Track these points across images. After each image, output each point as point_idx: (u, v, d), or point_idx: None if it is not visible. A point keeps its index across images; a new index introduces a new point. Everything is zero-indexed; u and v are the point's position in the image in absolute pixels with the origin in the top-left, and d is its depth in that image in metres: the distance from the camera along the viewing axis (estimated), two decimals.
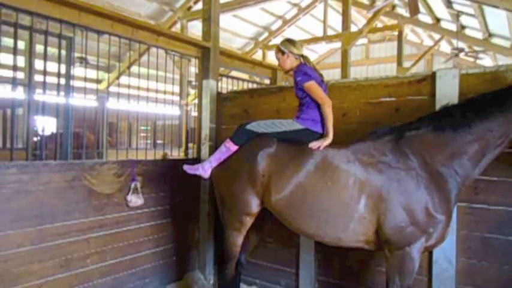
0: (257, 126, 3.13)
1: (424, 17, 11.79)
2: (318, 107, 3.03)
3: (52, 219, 3.13)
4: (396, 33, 12.40)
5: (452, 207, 2.60)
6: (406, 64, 12.55)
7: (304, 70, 3.05)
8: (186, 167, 3.31)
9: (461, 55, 10.99)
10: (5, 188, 2.85)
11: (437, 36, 13.67)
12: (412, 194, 2.53)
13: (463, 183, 2.59)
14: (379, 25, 13.89)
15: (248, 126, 3.14)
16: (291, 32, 14.46)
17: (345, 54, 9.14)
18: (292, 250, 3.86)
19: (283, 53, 3.18)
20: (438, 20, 11.75)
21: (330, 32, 12.34)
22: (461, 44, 11.43)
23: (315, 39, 12.41)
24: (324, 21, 11.73)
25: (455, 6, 10.02)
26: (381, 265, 3.28)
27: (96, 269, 3.46)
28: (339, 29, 11.84)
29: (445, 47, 14.77)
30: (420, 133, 2.63)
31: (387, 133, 2.75)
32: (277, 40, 14.17)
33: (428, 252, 3.07)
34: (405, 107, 3.21)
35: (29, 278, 2.99)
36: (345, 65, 9.00)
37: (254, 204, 3.05)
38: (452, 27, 11.40)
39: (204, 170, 3.25)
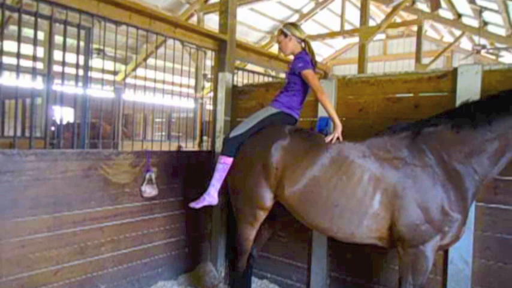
0: (238, 129, 3.17)
1: (445, 13, 11.53)
2: (297, 96, 3.13)
3: (68, 207, 3.19)
4: (415, 28, 12.16)
5: (469, 206, 2.54)
6: (425, 61, 12.31)
7: (306, 58, 3.07)
8: (192, 204, 3.26)
9: (482, 52, 10.72)
10: (23, 175, 2.91)
11: (458, 33, 13.36)
12: (427, 191, 2.48)
13: (481, 182, 2.53)
14: (398, 20, 13.63)
15: (231, 135, 3.16)
16: (308, 26, 14.33)
17: (362, 50, 9.02)
18: (305, 245, 3.84)
19: (285, 35, 3.17)
20: (459, 16, 11.47)
21: (347, 27, 12.19)
22: (483, 41, 11.14)
23: (332, 34, 12.27)
24: (342, 16, 11.58)
25: (478, 2, 9.76)
26: (394, 263, 3.24)
27: (110, 257, 3.51)
28: (357, 23, 11.68)
29: (465, 43, 14.44)
30: (438, 130, 2.58)
31: (404, 129, 2.70)
32: None
33: (444, 251, 3.02)
34: (424, 104, 3.15)
35: (45, 263, 3.06)
36: (362, 60, 8.89)
37: (268, 198, 3.02)
38: (474, 23, 11.12)
39: (212, 196, 3.22)
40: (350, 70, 16.57)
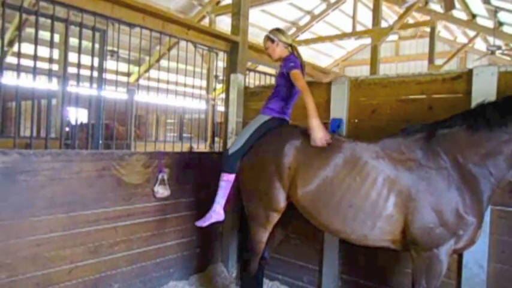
0: (236, 144, 3.20)
1: (459, 13, 11.38)
2: (286, 99, 3.20)
3: (83, 207, 3.23)
4: (428, 29, 12.03)
5: (485, 209, 2.50)
6: (438, 62, 12.17)
7: (294, 60, 3.11)
8: (199, 223, 3.26)
9: (497, 53, 10.55)
10: (39, 175, 2.97)
11: (472, 33, 13.17)
12: (442, 194, 2.45)
13: (497, 184, 2.49)
14: (411, 21, 13.50)
15: (230, 151, 3.18)
16: (319, 28, 14.31)
17: (374, 51, 8.96)
18: (316, 247, 3.83)
19: (272, 41, 3.24)
20: (474, 16, 11.31)
21: (359, 28, 12.10)
22: (498, 42, 10.96)
23: (344, 35, 12.20)
24: (354, 17, 11.52)
25: (493, 2, 9.61)
26: (407, 266, 3.21)
27: (123, 256, 3.55)
28: (369, 24, 11.60)
29: (480, 44, 14.22)
30: (453, 131, 2.54)
31: (418, 130, 2.67)
32: (305, 36, 14.04)
33: (458, 255, 2.98)
34: (438, 105, 3.11)
35: (60, 262, 3.11)
36: (374, 61, 8.83)
37: (281, 199, 3.01)
38: (489, 23, 10.95)
39: (218, 213, 3.23)
40: (362, 71, 16.46)
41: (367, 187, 2.61)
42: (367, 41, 11.91)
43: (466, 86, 3.00)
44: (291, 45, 3.27)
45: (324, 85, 3.82)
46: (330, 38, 12.47)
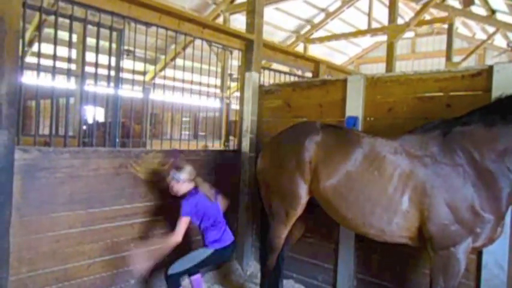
0: (178, 266, 3.16)
1: (478, 9, 11.12)
2: (216, 225, 3.24)
3: (100, 204, 3.28)
4: (446, 26, 11.79)
5: (505, 207, 2.44)
6: (456, 59, 11.92)
7: (191, 201, 3.15)
8: None
9: None
10: (59, 172, 3.03)
11: (491, 29, 12.86)
12: (457, 190, 2.43)
13: None
14: (428, 17, 13.26)
15: (170, 271, 3.14)
16: (334, 25, 14.19)
17: (390, 48, 8.83)
18: (331, 246, 3.81)
19: (177, 181, 3.22)
20: (493, 12, 11.03)
21: (374, 25, 11.97)
22: None
23: (359, 33, 12.07)
24: (369, 14, 11.39)
25: None
26: (424, 266, 3.17)
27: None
28: (384, 21, 11.45)
29: (499, 40, 13.88)
30: (470, 128, 2.50)
31: (436, 127, 2.65)
32: (319, 33, 13.94)
33: (477, 256, 2.92)
34: (457, 103, 3.05)
35: (79, 257, 3.17)
36: (390, 59, 8.70)
37: (303, 194, 3.03)
38: (510, 19, 10.67)
39: None
40: (377, 69, 16.27)
41: (384, 181, 2.61)
42: (383, 38, 11.75)
43: (486, 83, 2.94)
44: (194, 179, 3.28)
45: (340, 83, 3.79)
46: (345, 36, 12.35)
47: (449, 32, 11.40)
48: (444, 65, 11.57)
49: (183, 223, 3.11)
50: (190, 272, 3.28)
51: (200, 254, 3.23)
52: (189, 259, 3.20)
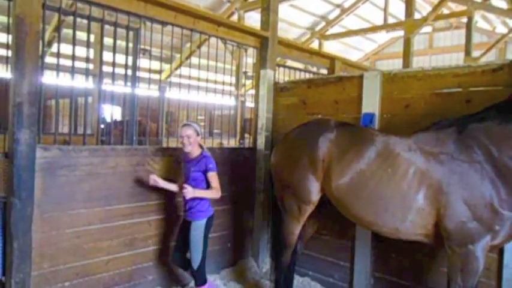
0: (196, 258, 3.18)
1: (498, 2, 10.83)
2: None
3: (118, 201, 3.34)
4: (465, 20, 11.52)
5: None
6: (475, 54, 11.64)
7: (213, 161, 3.19)
8: None
9: None
10: (78, 170, 3.09)
11: None
12: (475, 187, 2.39)
13: None
14: (446, 11, 12.98)
15: (196, 266, 3.16)
16: (349, 21, 14.02)
17: (407, 43, 8.70)
18: (347, 244, 3.78)
19: (198, 134, 3.21)
20: None
21: (391, 20, 11.77)
22: None
23: (375, 28, 11.91)
24: (385, 9, 11.22)
25: None
26: (443, 265, 3.11)
27: (157, 249, 3.64)
28: (401, 16, 11.28)
29: None
30: (487, 124, 2.45)
31: (452, 123, 2.61)
32: (334, 30, 13.81)
33: (498, 255, 2.86)
34: (477, 99, 2.98)
35: (98, 253, 3.23)
36: (407, 54, 8.57)
37: (315, 191, 3.04)
38: None
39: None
40: (393, 65, 16.02)
41: (398, 179, 2.58)
42: (399, 33, 11.59)
43: (507, 78, 2.86)
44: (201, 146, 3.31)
45: (356, 79, 3.76)
46: (361, 32, 12.20)
47: (469, 26, 11.13)
48: (463, 60, 11.31)
49: (217, 178, 3.16)
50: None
51: (200, 232, 3.19)
52: (196, 244, 3.18)
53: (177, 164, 3.73)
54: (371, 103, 3.59)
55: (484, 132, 2.45)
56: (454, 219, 2.42)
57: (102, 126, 6.80)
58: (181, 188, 3.20)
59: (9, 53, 2.83)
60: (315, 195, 3.05)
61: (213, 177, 3.16)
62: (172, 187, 3.38)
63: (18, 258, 2.74)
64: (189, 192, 3.00)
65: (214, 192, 3.17)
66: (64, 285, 3.05)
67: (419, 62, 14.97)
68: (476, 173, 2.40)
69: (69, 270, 3.08)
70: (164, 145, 7.34)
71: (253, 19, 10.80)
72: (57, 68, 3.29)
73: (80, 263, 3.13)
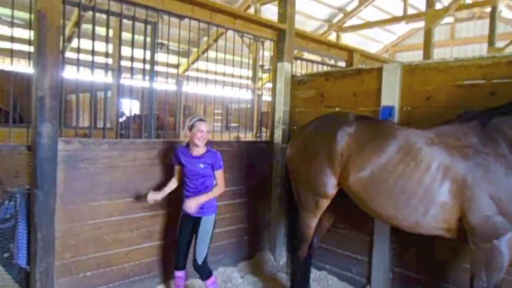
0: (202, 252, 3.15)
1: None
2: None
3: (137, 193, 3.39)
4: (488, 9, 11.15)
5: None
6: (499, 44, 11.27)
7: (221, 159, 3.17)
8: None
9: None
10: (98, 163, 3.15)
11: None
12: (500, 181, 2.34)
13: None
14: (468, 1, 12.59)
15: (200, 260, 3.13)
16: (368, 12, 13.75)
17: (428, 34, 8.49)
18: (366, 238, 3.75)
19: (208, 132, 3.19)
20: None
21: (410, 11, 11.50)
22: None
23: (395, 19, 11.67)
24: None
25: None
26: (465, 260, 3.05)
27: (175, 242, 3.68)
28: (421, 7, 11.00)
29: None
30: (511, 117, 2.40)
31: (476, 116, 2.55)
32: (352, 21, 13.58)
33: None
34: (502, 91, 2.89)
35: (118, 245, 3.30)
36: (427, 46, 8.37)
37: (331, 185, 3.01)
38: None
39: None
40: (414, 57, 15.67)
41: (421, 173, 2.54)
42: (419, 24, 11.30)
43: None
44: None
45: (375, 71, 3.69)
46: (380, 23, 11.97)
47: (492, 15, 10.76)
48: (486, 51, 10.97)
49: (223, 176, 3.20)
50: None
51: (211, 226, 3.19)
52: (207, 237, 3.17)
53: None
54: (390, 96, 3.52)
55: (509, 125, 2.39)
56: (479, 213, 2.37)
57: (121, 120, 6.90)
58: (180, 182, 3.25)
59: (31, 49, 2.88)
60: (332, 189, 3.03)
61: (220, 174, 3.17)
62: (171, 186, 3.32)
63: (42, 249, 2.82)
64: (193, 206, 3.02)
65: (218, 190, 3.17)
66: (86, 275, 3.13)
67: (440, 54, 14.59)
68: (502, 166, 2.34)
69: (90, 261, 3.15)
70: (182, 138, 7.41)
71: (269, 11, 10.70)
72: (78, 63, 3.34)
73: (101, 254, 3.21)
